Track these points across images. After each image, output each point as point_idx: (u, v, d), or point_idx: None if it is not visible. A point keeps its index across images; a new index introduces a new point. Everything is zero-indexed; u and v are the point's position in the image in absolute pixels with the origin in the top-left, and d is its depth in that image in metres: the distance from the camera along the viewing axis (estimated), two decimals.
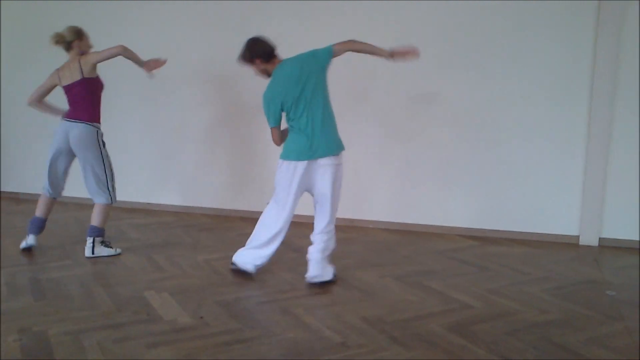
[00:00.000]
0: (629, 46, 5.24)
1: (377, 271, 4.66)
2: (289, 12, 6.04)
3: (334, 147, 4.23)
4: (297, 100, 4.12)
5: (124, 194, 6.82)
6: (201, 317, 3.70)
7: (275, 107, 4.17)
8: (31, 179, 7.37)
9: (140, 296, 4.08)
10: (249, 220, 6.32)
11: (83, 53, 4.83)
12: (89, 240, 4.97)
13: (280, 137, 4.33)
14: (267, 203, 4.47)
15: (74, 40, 4.80)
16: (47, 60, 6.99)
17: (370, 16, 5.77)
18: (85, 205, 6.90)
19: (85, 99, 4.82)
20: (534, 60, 5.48)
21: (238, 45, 4.25)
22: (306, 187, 4.28)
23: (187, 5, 6.42)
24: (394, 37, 5.72)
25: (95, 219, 4.97)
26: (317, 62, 4.15)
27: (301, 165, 4.15)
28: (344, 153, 4.31)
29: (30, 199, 7.25)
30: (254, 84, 6.25)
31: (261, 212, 6.42)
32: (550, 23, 5.39)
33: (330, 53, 4.15)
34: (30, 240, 5.11)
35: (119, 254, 5.02)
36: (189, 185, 6.64)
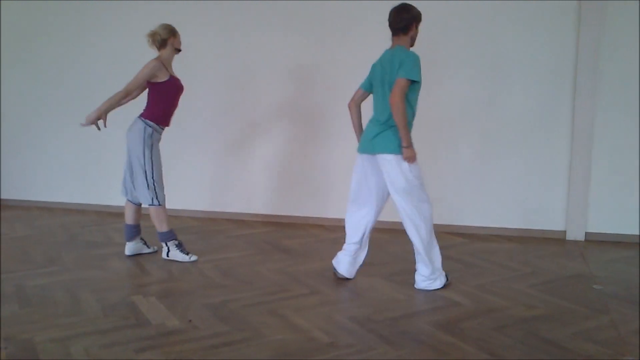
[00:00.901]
0: (610, 46, 5.30)
1: (365, 270, 4.65)
2: (274, 15, 6.05)
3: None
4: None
5: (109, 199, 6.82)
6: (189, 321, 3.68)
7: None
8: (17, 185, 7.31)
9: (128, 301, 4.05)
10: (237, 222, 6.32)
11: (177, 50, 4.87)
12: (163, 245, 4.99)
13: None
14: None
15: (168, 38, 4.79)
16: (47, 61, 6.99)
17: (363, 18, 5.79)
18: (71, 211, 6.86)
19: (148, 97, 4.86)
20: (518, 61, 5.52)
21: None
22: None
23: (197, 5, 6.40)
24: (381, 38, 5.77)
25: (156, 226, 4.94)
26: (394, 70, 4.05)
27: None
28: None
29: (15, 205, 7.20)
30: (247, 86, 6.29)
31: (247, 214, 6.46)
32: (532, 26, 5.44)
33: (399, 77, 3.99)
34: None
35: (194, 261, 4.93)
36: (174, 187, 6.61)
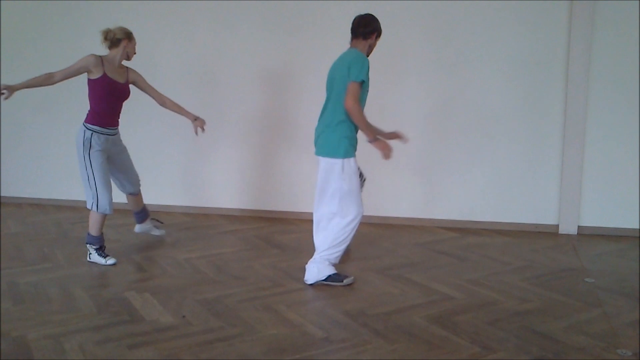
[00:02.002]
0: (601, 41, 5.32)
1: (358, 265, 4.67)
2: (284, 13, 6.04)
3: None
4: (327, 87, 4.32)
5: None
6: (183, 316, 3.68)
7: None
8: (9, 182, 7.28)
9: (121, 297, 4.05)
10: (229, 217, 6.32)
11: (127, 55, 4.84)
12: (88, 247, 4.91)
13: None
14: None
15: (122, 39, 4.77)
16: (44, 60, 6.93)
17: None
18: (63, 207, 6.84)
19: (88, 98, 4.87)
20: (510, 56, 5.53)
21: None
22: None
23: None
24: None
25: (89, 226, 4.88)
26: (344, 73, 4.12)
27: None
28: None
29: (8, 202, 7.17)
30: (234, 82, 6.28)
31: (239, 209, 6.45)
32: (525, 21, 5.45)
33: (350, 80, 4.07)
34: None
35: (112, 264, 4.80)
36: (166, 184, 6.61)
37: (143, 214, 5.37)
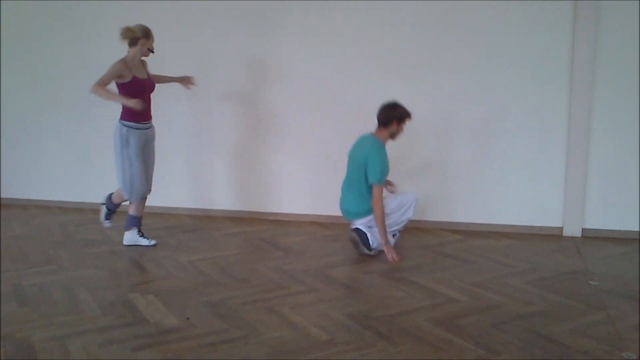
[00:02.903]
0: (606, 42, 5.30)
1: (362, 267, 4.67)
2: (277, 12, 6.05)
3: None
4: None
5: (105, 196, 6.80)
6: (187, 319, 3.68)
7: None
8: (14, 184, 7.30)
9: (126, 299, 4.05)
10: (234, 220, 6.32)
11: (147, 52, 5.05)
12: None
13: None
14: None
15: (140, 37, 4.96)
16: (46, 60, 6.97)
17: (356, 16, 5.79)
18: (68, 209, 6.85)
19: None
20: (514, 57, 5.51)
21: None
22: None
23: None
24: (373, 38, 5.78)
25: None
26: (365, 167, 4.76)
27: None
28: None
29: (13, 204, 7.19)
30: (235, 83, 6.29)
31: (244, 211, 6.44)
32: (528, 22, 5.44)
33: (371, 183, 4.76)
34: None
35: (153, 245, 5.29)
36: (171, 185, 6.61)
37: (136, 220, 5.37)
